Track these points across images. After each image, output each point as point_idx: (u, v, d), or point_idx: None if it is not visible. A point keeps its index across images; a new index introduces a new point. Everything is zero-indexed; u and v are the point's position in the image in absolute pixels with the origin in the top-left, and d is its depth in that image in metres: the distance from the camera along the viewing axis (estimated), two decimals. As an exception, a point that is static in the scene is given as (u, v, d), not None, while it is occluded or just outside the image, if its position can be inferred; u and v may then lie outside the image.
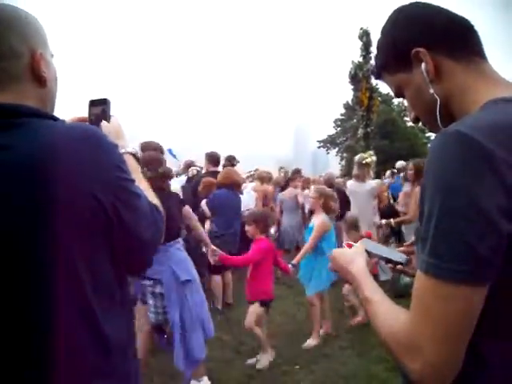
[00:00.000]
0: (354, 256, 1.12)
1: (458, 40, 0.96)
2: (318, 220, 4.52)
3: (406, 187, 6.24)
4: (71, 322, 0.99)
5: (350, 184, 6.20)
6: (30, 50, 1.07)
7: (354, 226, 4.91)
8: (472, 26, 0.98)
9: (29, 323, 0.96)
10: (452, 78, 0.96)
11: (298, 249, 7.18)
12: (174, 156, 10.84)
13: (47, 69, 1.10)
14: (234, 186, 5.55)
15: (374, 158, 6.30)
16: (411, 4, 1.03)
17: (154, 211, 1.17)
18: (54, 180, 0.95)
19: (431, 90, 0.97)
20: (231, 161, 7.63)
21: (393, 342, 0.85)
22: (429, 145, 0.89)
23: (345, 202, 7.45)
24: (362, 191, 5.89)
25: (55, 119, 1.07)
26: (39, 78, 1.09)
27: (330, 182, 7.68)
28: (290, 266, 4.29)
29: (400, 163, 9.24)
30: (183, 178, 7.19)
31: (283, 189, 8.20)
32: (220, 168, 6.42)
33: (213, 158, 6.20)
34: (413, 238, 1.24)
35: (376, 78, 1.12)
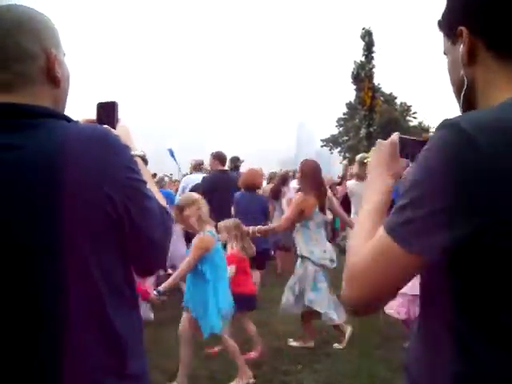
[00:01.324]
0: (393, 161, 1.12)
1: (506, 36, 0.91)
2: (196, 237, 3.62)
3: None
4: (83, 320, 1.00)
5: (351, 184, 6.19)
6: (45, 51, 1.07)
7: None
8: None
9: (40, 320, 0.97)
10: (486, 68, 0.93)
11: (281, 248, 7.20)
12: (174, 158, 10.84)
13: (61, 69, 1.10)
14: (254, 188, 5.75)
15: None
16: None
17: (164, 213, 1.18)
18: (67, 180, 0.96)
19: (461, 72, 0.96)
20: (235, 162, 7.69)
21: (349, 262, 0.95)
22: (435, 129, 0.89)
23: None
24: (363, 191, 5.84)
25: (69, 120, 1.08)
26: (54, 79, 1.09)
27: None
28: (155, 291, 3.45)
29: None
30: (194, 177, 7.05)
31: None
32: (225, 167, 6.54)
33: (221, 158, 6.31)
34: None
35: (439, 30, 1.06)
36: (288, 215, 4.52)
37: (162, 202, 1.21)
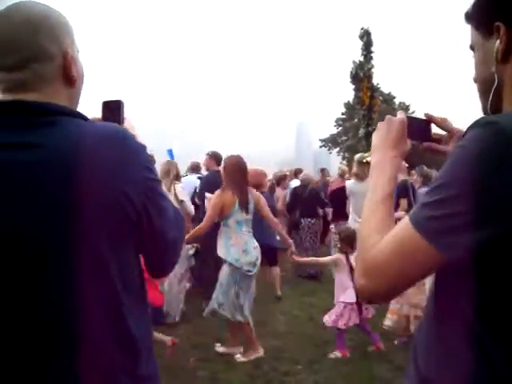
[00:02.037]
0: (401, 140, 1.09)
1: None
2: None
3: None
4: (100, 319, 1.00)
5: (350, 183, 6.17)
6: (61, 50, 1.06)
7: (349, 240, 4.39)
8: None
9: (59, 319, 0.96)
10: None
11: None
12: (173, 158, 10.87)
13: (76, 68, 1.11)
14: (259, 187, 5.86)
15: None
16: None
17: (177, 213, 1.19)
18: (86, 179, 0.96)
19: (493, 69, 0.94)
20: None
21: (360, 252, 0.95)
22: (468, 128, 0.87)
23: (321, 202, 7.67)
24: (362, 191, 5.83)
25: (85, 118, 1.08)
26: (70, 78, 1.09)
27: (306, 182, 7.79)
28: None
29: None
30: (189, 178, 7.12)
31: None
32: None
33: (217, 158, 6.42)
34: None
35: (466, 22, 1.05)
36: (208, 213, 4.36)
37: (174, 203, 1.22)
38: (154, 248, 1.12)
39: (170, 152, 11.27)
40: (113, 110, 1.28)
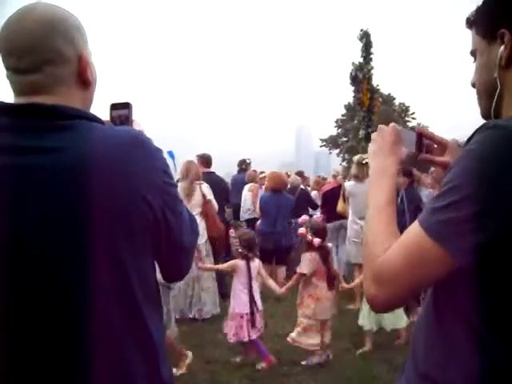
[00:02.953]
0: (396, 147, 1.11)
1: None
2: None
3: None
4: (121, 323, 0.99)
5: (349, 185, 6.16)
6: (77, 53, 1.07)
7: (249, 245, 4.12)
8: None
9: (77, 323, 0.96)
10: None
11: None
12: (174, 161, 10.90)
13: (91, 71, 1.10)
14: (278, 189, 6.25)
15: None
16: None
17: (192, 218, 1.19)
18: (105, 183, 0.95)
19: (495, 74, 0.96)
20: (242, 164, 8.31)
21: (368, 260, 0.94)
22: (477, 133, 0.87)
23: (311, 203, 7.95)
24: (362, 192, 5.78)
25: (102, 122, 1.07)
26: (85, 81, 1.09)
27: (295, 184, 7.94)
28: None
29: None
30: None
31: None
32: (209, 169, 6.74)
33: (204, 159, 6.56)
34: None
35: (467, 27, 1.07)
36: None
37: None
38: (171, 252, 1.12)
39: (171, 154, 11.29)
40: (121, 112, 1.28)
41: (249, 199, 7.67)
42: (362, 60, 15.87)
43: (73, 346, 0.95)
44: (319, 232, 4.11)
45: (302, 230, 4.18)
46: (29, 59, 1.01)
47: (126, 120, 1.26)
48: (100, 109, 1.33)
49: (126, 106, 1.28)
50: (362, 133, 15.36)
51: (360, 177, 5.90)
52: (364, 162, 5.90)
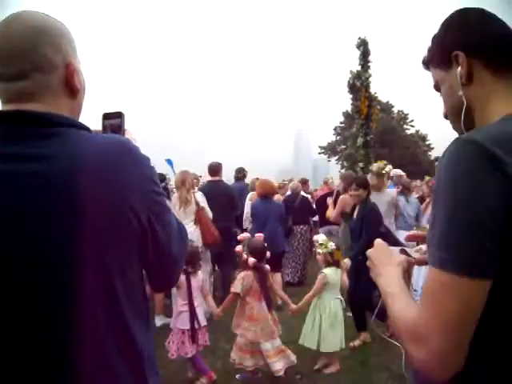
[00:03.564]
0: (393, 253, 1.17)
1: (499, 53, 1.00)
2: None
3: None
4: (105, 331, 0.99)
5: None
6: (64, 61, 1.06)
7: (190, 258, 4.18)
8: None
9: (62, 329, 0.95)
10: (481, 86, 1.01)
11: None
12: (172, 169, 10.92)
13: (79, 79, 1.10)
14: (267, 195, 6.32)
15: (391, 166, 6.28)
16: (473, 9, 1.08)
17: (181, 227, 1.18)
18: (91, 191, 0.95)
19: (460, 93, 1.02)
20: (239, 173, 8.24)
21: (403, 331, 0.90)
22: (429, 153, 0.93)
23: (311, 211, 7.98)
24: (381, 201, 5.72)
25: (89, 130, 1.07)
26: (72, 89, 1.09)
27: (297, 191, 7.97)
28: None
29: (395, 171, 8.79)
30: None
31: None
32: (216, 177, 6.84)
33: (210, 168, 6.75)
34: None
35: (425, 68, 1.17)
36: None
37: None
38: (158, 262, 1.11)
39: (170, 162, 11.29)
40: (113, 121, 1.28)
41: (250, 207, 7.62)
42: (359, 68, 15.92)
43: (57, 347, 0.95)
44: (255, 252, 3.94)
45: (238, 248, 4.07)
46: (16, 67, 1.01)
47: (119, 129, 1.27)
48: (96, 117, 1.34)
49: (119, 115, 1.28)
50: (360, 140, 15.36)
51: (379, 187, 5.87)
52: (384, 171, 5.86)
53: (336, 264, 4.26)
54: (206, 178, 7.63)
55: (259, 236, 4.34)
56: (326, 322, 4.05)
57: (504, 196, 0.81)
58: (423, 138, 38.96)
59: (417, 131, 40.68)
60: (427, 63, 1.15)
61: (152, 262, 1.10)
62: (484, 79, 1.00)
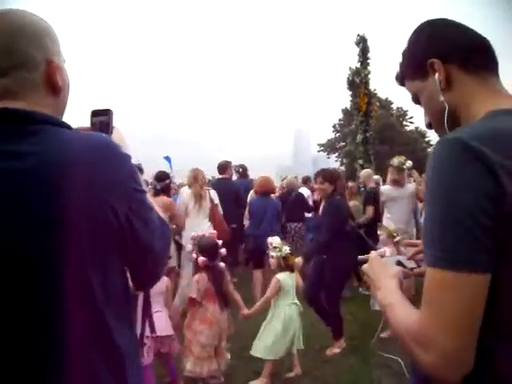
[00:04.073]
0: (388, 265, 1.17)
1: (472, 55, 1.04)
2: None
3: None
4: (84, 332, 0.98)
5: (387, 189, 6.06)
6: (46, 58, 1.06)
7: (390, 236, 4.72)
8: (489, 45, 1.06)
9: (39, 331, 0.95)
10: (461, 88, 1.03)
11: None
12: (170, 166, 10.95)
13: (61, 77, 1.09)
14: (266, 193, 6.38)
15: (410, 162, 6.30)
16: (437, 19, 1.12)
17: (163, 224, 1.17)
18: (70, 189, 0.95)
19: (441, 98, 1.04)
20: (239, 169, 8.40)
21: (407, 338, 0.89)
22: (429, 150, 0.93)
23: (306, 207, 7.89)
24: (403, 196, 5.73)
25: (70, 128, 1.07)
26: (54, 87, 1.08)
27: (291, 188, 7.99)
28: None
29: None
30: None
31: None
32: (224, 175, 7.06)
33: (218, 166, 7.03)
34: None
35: (399, 84, 1.20)
36: None
37: (160, 212, 1.20)
38: (139, 260, 1.10)
39: (168, 159, 11.29)
40: (102, 119, 1.28)
41: None
42: (358, 65, 15.93)
43: (36, 361, 0.94)
44: (205, 250, 3.71)
45: (189, 248, 3.93)
46: None
47: (107, 126, 1.26)
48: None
49: (107, 112, 1.28)
50: (359, 137, 15.38)
51: (400, 182, 5.78)
52: (405, 166, 5.80)
53: (290, 268, 4.00)
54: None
55: (212, 233, 4.14)
56: (279, 328, 3.84)
57: (492, 190, 0.82)
58: (423, 135, 38.94)
59: (416, 128, 40.68)
60: (401, 79, 1.18)
61: (132, 259, 1.09)
62: (462, 82, 1.03)
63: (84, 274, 0.97)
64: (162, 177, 5.62)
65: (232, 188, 6.85)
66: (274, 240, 4.11)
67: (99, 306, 1.00)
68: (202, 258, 3.66)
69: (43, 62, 1.05)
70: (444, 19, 1.12)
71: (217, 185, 6.68)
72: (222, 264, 3.80)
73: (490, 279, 0.84)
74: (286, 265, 3.98)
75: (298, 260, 4.37)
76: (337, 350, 4.60)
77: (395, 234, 4.86)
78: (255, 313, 3.95)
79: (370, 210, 6.62)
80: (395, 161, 5.87)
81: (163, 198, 5.41)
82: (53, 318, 0.95)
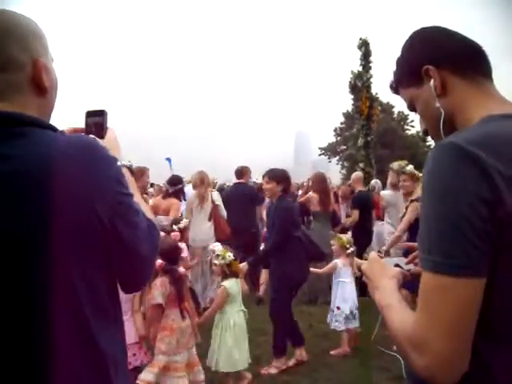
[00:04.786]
0: (387, 266, 1.17)
1: (465, 60, 1.05)
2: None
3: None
4: (67, 337, 0.97)
5: (388, 194, 6.04)
6: (32, 58, 1.04)
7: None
8: (481, 50, 1.07)
9: (23, 334, 0.94)
10: (456, 93, 1.04)
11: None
12: (170, 166, 11.02)
13: (48, 77, 1.08)
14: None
15: (412, 166, 6.30)
16: (430, 27, 1.13)
17: (151, 227, 1.16)
18: (54, 192, 0.94)
19: (437, 104, 1.04)
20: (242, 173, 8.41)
21: (404, 341, 0.90)
22: (428, 155, 0.94)
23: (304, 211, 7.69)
24: (402, 200, 5.59)
25: (55, 130, 1.06)
26: (40, 88, 1.07)
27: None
28: None
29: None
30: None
31: None
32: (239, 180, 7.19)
33: (236, 171, 7.24)
34: None
35: (393, 93, 1.21)
36: None
37: (149, 214, 1.19)
38: (125, 263, 1.09)
39: (169, 160, 11.34)
40: (96, 119, 1.28)
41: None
42: (361, 68, 15.92)
43: (20, 363, 0.94)
44: (163, 253, 3.43)
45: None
46: None
47: (101, 127, 1.26)
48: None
49: (101, 113, 1.28)
50: (361, 141, 15.34)
51: (398, 186, 5.69)
52: (404, 170, 5.77)
53: (234, 275, 3.88)
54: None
55: (174, 235, 4.03)
56: (232, 338, 3.69)
57: (488, 195, 0.82)
58: (423, 139, 38.88)
59: (417, 132, 40.60)
60: (396, 87, 1.18)
61: (118, 263, 1.07)
62: (457, 87, 1.04)
63: (68, 276, 0.96)
64: (174, 181, 6.01)
65: (250, 192, 6.97)
66: (217, 247, 3.97)
67: (83, 310, 0.99)
68: (159, 261, 3.37)
69: (29, 63, 1.04)
70: (436, 26, 1.13)
71: (235, 189, 6.86)
72: (182, 269, 3.62)
73: (485, 283, 0.84)
74: (230, 271, 3.86)
75: (243, 265, 4.21)
76: (273, 371, 4.22)
77: (348, 246, 4.83)
78: (205, 321, 3.84)
79: (356, 213, 6.72)
80: (395, 165, 5.88)
81: (172, 200, 5.75)
82: (36, 321, 0.94)
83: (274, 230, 4.41)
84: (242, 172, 7.11)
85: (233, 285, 3.84)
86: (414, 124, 41.88)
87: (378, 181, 8.54)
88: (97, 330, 1.01)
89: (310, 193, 6.75)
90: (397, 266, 1.25)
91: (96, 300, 1.02)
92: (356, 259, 4.30)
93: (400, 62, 1.16)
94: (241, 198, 6.44)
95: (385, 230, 6.30)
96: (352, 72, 15.99)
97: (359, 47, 16.02)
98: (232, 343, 3.69)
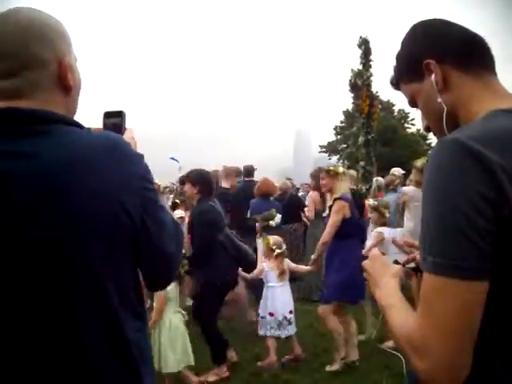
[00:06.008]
0: (389, 264, 1.15)
1: (468, 54, 1.01)
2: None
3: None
4: (98, 334, 0.98)
5: (411, 190, 6.05)
6: (57, 57, 1.05)
7: None
8: (484, 43, 1.04)
9: (54, 332, 0.95)
10: (459, 88, 1.01)
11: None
12: (176, 160, 11.25)
13: (72, 76, 1.09)
14: (267, 195, 6.35)
15: None
16: (430, 20, 1.09)
17: (177, 226, 1.17)
18: (83, 190, 0.94)
19: (439, 99, 1.01)
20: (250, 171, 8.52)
21: (405, 343, 0.87)
22: (429, 152, 0.92)
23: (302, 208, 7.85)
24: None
25: (81, 127, 1.06)
26: (65, 86, 1.07)
27: (284, 190, 8.04)
28: None
29: (393, 170, 8.20)
30: None
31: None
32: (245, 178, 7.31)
33: (246, 170, 7.39)
34: None
35: (394, 88, 1.17)
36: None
37: (171, 213, 1.20)
38: (152, 261, 1.10)
39: (174, 159, 11.55)
40: (114, 120, 1.28)
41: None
42: (361, 67, 15.90)
43: (49, 360, 0.95)
44: None
45: None
46: (6, 64, 1.00)
47: (119, 128, 1.26)
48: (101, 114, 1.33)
49: (119, 114, 1.28)
50: (361, 139, 15.32)
51: (421, 182, 5.69)
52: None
53: (177, 278, 3.74)
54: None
55: None
56: (166, 339, 3.63)
57: (491, 193, 0.79)
58: (424, 137, 38.92)
59: (418, 130, 40.63)
60: (396, 82, 1.15)
61: (145, 261, 1.08)
62: (459, 81, 1.00)
63: (97, 274, 0.97)
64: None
65: (247, 190, 7.06)
66: None
67: (114, 307, 1.00)
68: None
69: (54, 61, 1.04)
70: (436, 19, 1.09)
71: (244, 186, 7.03)
72: None
73: (488, 286, 0.81)
74: None
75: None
76: (212, 379, 4.01)
77: (274, 247, 4.41)
78: (150, 324, 3.60)
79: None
80: (418, 162, 5.84)
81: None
82: (66, 317, 0.95)
83: (196, 236, 4.14)
84: (252, 170, 7.30)
85: (172, 288, 3.72)
86: (415, 122, 41.90)
87: (380, 178, 8.53)
88: (125, 324, 1.02)
89: (311, 193, 6.72)
90: (396, 262, 1.24)
91: (124, 296, 1.03)
92: (287, 260, 4.38)
93: (400, 57, 1.12)
94: (251, 194, 6.47)
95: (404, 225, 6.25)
96: (352, 70, 15.97)
97: (359, 45, 16.00)
98: (166, 344, 3.62)
